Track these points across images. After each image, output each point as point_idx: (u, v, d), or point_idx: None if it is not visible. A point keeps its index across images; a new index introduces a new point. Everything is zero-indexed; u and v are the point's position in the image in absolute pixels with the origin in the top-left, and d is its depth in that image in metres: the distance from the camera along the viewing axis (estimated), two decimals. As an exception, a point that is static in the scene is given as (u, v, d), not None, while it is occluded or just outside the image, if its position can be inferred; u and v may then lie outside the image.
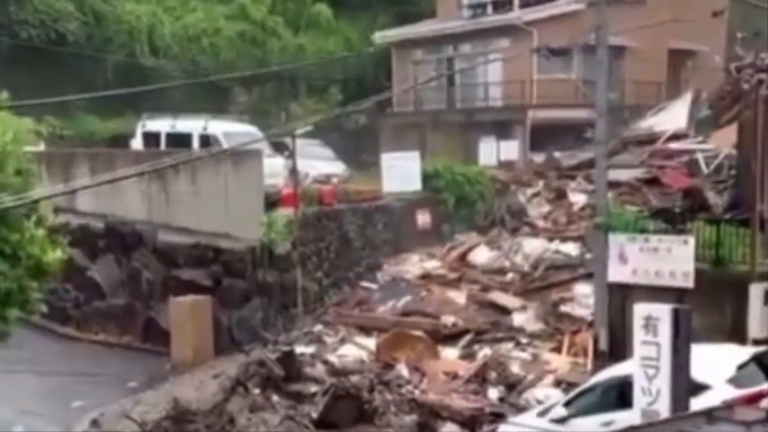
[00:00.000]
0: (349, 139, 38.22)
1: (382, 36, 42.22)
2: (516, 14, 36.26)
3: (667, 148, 29.98)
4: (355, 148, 37.85)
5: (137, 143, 29.91)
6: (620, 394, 13.55)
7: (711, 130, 29.76)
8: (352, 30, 45.58)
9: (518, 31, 35.24)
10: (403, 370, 19.27)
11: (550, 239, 25.34)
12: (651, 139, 31.15)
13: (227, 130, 27.79)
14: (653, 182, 27.71)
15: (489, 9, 39.00)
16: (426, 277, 24.44)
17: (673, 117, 31.82)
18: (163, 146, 28.19)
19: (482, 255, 25.38)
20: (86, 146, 33.21)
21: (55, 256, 13.68)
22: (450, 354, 20.30)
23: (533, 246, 24.88)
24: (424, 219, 27.66)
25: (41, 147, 22.85)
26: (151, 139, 28.92)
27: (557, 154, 32.55)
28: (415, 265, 25.55)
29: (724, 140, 27.09)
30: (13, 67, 34.72)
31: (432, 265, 25.37)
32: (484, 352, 20.00)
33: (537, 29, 34.41)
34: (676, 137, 30.52)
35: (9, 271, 13.05)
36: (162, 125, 29.21)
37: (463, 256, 25.54)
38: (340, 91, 41.49)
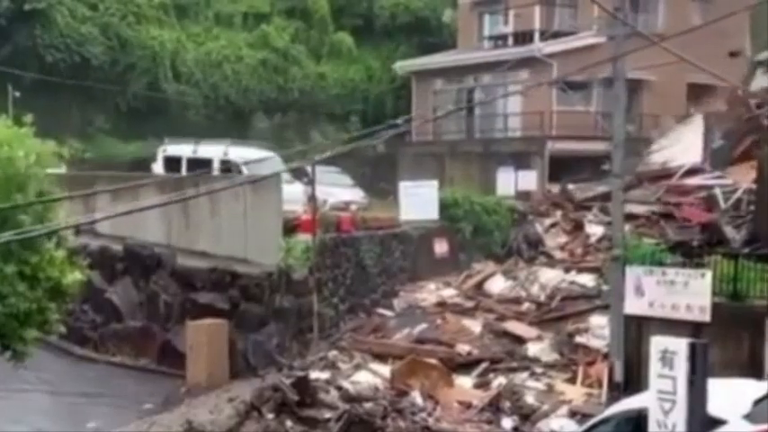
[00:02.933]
0: (368, 166, 38.41)
1: (403, 66, 42.49)
2: (536, 47, 36.42)
3: (684, 184, 29.77)
4: (374, 175, 38.04)
5: (158, 167, 30.14)
6: (635, 427, 13.48)
7: (729, 162, 29.60)
8: (373, 59, 45.90)
9: (538, 63, 35.39)
10: (417, 398, 19.27)
11: (567, 270, 25.34)
12: (666, 174, 30.95)
13: (248, 156, 27.99)
14: (669, 216, 27.67)
15: (510, 41, 39.20)
16: (442, 305, 24.46)
17: (687, 149, 31.53)
18: (184, 170, 28.39)
19: (498, 284, 25.41)
20: (108, 169, 33.45)
21: (74, 277, 13.83)
22: (464, 382, 20.28)
23: (549, 276, 24.89)
24: (441, 247, 27.70)
25: (63, 169, 23.07)
26: (172, 163, 29.13)
27: (570, 186, 32.47)
28: (431, 293, 25.59)
29: (742, 174, 27.02)
30: (39, 90, 35.18)
31: (448, 293, 25.40)
32: (498, 381, 19.98)
33: (557, 61, 34.55)
34: (692, 171, 30.27)
35: (28, 292, 13.20)
36: (183, 150, 29.44)
37: (479, 285, 25.56)
38: (360, 119, 41.75)
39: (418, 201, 27.56)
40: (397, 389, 19.71)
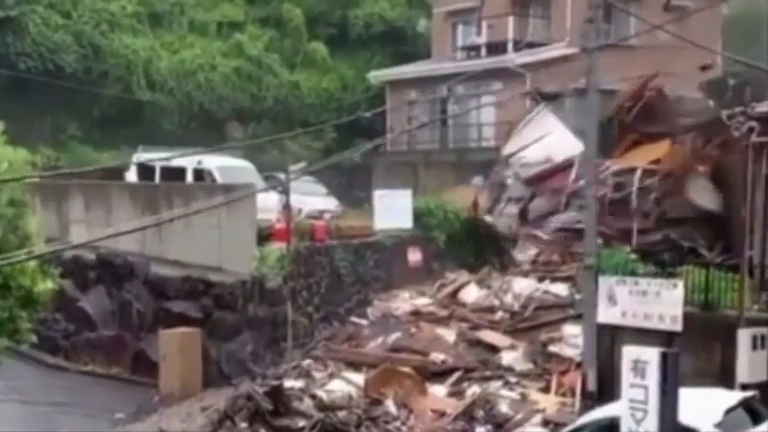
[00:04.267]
0: (342, 175, 38.41)
1: (377, 75, 42.58)
2: (510, 57, 36.61)
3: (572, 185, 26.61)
4: (349, 184, 38.05)
5: (131, 176, 30.00)
6: (607, 436, 13.58)
7: (616, 145, 26.64)
8: (347, 68, 45.95)
9: (511, 73, 35.57)
10: (391, 406, 19.27)
11: (540, 279, 25.41)
12: (547, 174, 28.01)
13: (222, 164, 27.93)
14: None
15: (483, 51, 39.38)
16: (416, 314, 24.47)
17: (555, 141, 28.18)
18: (157, 179, 28.29)
19: (472, 293, 25.43)
20: (81, 177, 33.26)
21: (46, 286, 13.78)
22: (438, 391, 20.29)
23: (523, 285, 24.95)
24: (414, 256, 27.76)
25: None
26: (146, 171, 29.01)
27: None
28: (405, 301, 25.59)
29: (638, 159, 25.00)
30: (10, 97, 34.92)
31: (422, 302, 25.40)
32: (472, 390, 20.00)
33: (530, 72, 34.75)
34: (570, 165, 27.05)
35: (-1, 301, 13.12)
36: (156, 158, 29.31)
37: (453, 294, 25.58)
38: (334, 128, 41.75)
39: (393, 209, 27.59)
40: (371, 397, 19.70)
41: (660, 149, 25.31)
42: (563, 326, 21.87)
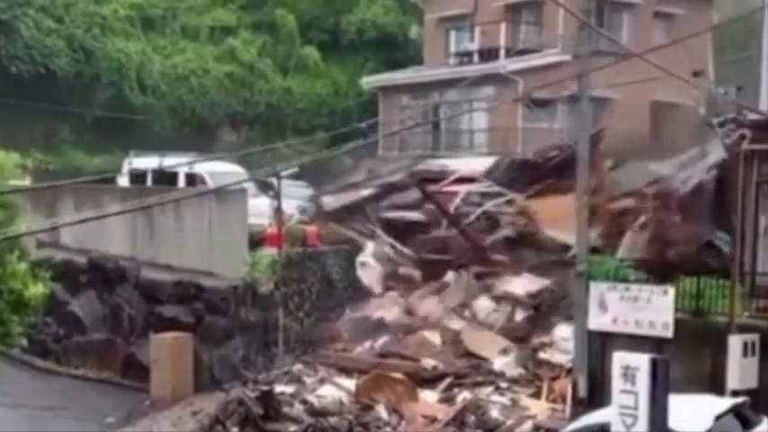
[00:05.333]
0: (335, 181, 38.38)
1: (369, 81, 42.61)
2: (502, 63, 36.67)
3: (448, 191, 26.74)
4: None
5: (123, 180, 29.98)
6: (597, 441, 13.60)
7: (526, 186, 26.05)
8: (340, 74, 45.99)
9: (503, 79, 35.61)
10: (382, 412, 19.26)
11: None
12: (442, 177, 28.14)
13: (213, 169, 27.93)
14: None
15: (476, 57, 39.44)
16: (411, 316, 24.40)
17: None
18: (149, 183, 28.27)
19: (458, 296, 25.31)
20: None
21: (36, 290, 13.78)
22: (429, 397, 20.30)
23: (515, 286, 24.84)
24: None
25: (27, 181, 22.91)
26: (138, 177, 29.00)
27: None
28: (396, 306, 25.54)
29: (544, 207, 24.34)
30: (2, 101, 34.86)
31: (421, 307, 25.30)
32: (463, 396, 20.02)
33: (522, 78, 34.79)
34: (470, 180, 27.06)
35: (-11, 304, 13.11)
36: (148, 163, 29.32)
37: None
38: (326, 133, 41.75)
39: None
40: (362, 403, 19.69)
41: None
42: (554, 330, 21.89)
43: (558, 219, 22.61)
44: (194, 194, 22.71)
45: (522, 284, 22.70)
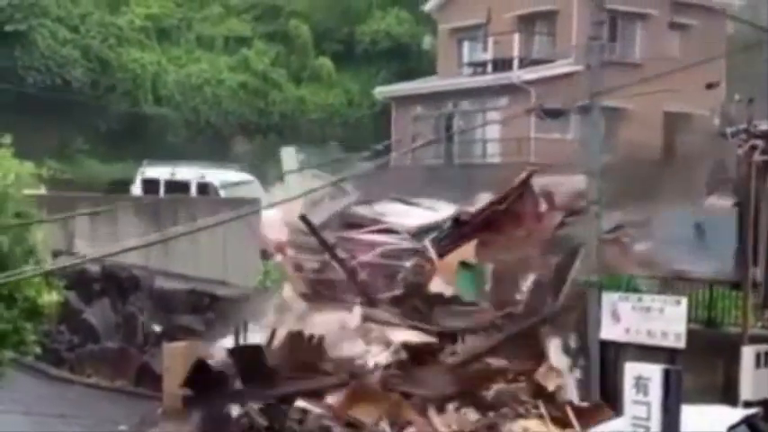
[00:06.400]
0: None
1: (383, 91, 42.72)
2: (515, 74, 36.72)
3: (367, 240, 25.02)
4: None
5: (137, 189, 30.16)
6: (609, 452, 13.58)
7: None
8: (353, 84, 46.12)
9: (516, 90, 35.67)
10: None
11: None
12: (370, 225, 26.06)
13: (224, 178, 28.06)
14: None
15: (489, 68, 39.49)
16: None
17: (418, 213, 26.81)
18: (161, 193, 28.41)
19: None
20: (87, 191, 33.40)
21: (51, 298, 13.81)
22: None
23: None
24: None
25: (42, 190, 23.02)
26: (150, 185, 29.15)
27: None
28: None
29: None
30: (18, 111, 35.10)
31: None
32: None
33: (535, 88, 34.83)
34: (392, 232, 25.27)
35: (4, 312, 13.18)
36: (161, 172, 29.50)
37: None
38: (340, 144, 41.88)
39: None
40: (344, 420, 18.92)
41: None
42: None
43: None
44: (235, 217, 21.84)
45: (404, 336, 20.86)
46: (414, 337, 20.23)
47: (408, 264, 23.18)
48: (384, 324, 20.54)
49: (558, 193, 23.91)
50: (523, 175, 23.78)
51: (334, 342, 19.88)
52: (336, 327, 20.50)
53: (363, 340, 20.19)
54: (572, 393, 18.96)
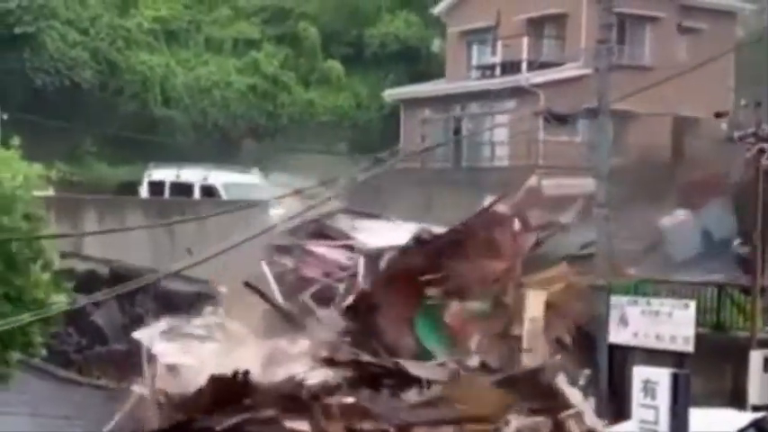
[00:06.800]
0: (354, 193, 38.40)
1: (391, 94, 42.76)
2: (524, 77, 36.71)
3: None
4: (360, 202, 38.03)
5: (143, 191, 30.23)
6: (617, 456, 13.56)
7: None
8: (362, 86, 46.14)
9: (525, 93, 35.65)
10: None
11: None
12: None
13: (227, 180, 28.08)
14: None
15: (498, 71, 39.49)
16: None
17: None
18: (167, 195, 28.48)
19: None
20: (96, 192, 33.49)
21: (59, 299, 13.83)
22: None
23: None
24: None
25: (51, 192, 23.08)
26: (156, 187, 29.21)
27: None
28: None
29: None
30: (27, 113, 35.20)
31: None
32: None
33: (544, 91, 34.82)
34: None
35: (12, 314, 13.19)
36: (166, 174, 29.57)
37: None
38: (348, 146, 41.93)
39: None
40: None
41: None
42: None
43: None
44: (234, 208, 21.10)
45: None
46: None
47: (341, 286, 22.16)
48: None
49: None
50: (486, 203, 23.07)
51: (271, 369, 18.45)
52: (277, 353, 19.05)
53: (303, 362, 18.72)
54: (591, 418, 18.37)
